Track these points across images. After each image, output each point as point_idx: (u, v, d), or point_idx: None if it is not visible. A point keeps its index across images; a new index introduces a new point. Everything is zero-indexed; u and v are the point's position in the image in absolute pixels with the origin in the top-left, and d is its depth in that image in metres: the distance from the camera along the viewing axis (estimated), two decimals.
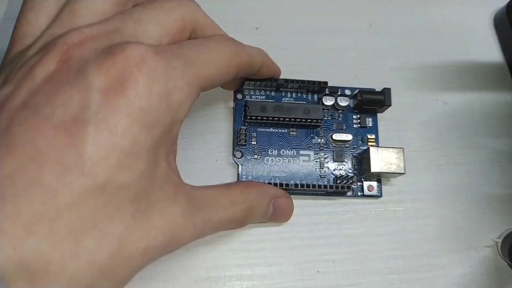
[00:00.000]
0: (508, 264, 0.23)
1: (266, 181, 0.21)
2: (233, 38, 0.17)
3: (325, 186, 0.21)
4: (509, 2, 0.27)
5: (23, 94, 0.12)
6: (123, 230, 0.13)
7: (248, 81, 0.21)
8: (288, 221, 0.21)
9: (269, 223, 0.21)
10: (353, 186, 0.22)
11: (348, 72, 0.25)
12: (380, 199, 0.23)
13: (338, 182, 0.22)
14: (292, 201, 0.21)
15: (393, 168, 0.21)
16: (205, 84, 0.15)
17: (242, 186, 0.19)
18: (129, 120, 0.12)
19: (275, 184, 0.20)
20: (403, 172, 0.21)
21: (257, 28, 0.25)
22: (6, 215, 0.11)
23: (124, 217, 0.13)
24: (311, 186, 0.20)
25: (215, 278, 0.20)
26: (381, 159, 0.21)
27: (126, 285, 0.14)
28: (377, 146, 0.23)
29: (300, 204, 0.22)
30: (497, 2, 0.28)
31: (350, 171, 0.22)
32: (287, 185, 0.20)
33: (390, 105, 0.22)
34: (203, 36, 0.17)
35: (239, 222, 0.18)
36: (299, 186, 0.20)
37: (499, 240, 0.23)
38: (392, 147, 0.21)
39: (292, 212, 0.21)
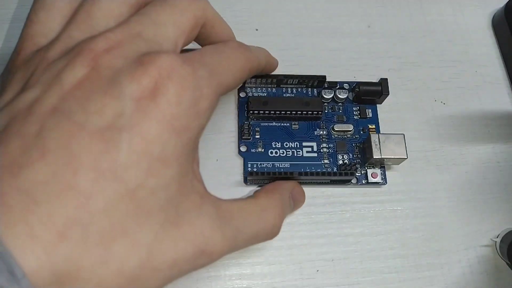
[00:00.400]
0: (507, 264, 0.23)
1: (271, 173, 0.21)
2: (242, 43, 0.18)
3: (329, 173, 0.21)
4: (507, 3, 0.27)
5: (53, 99, 0.12)
6: (152, 238, 0.13)
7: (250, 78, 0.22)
8: (288, 220, 0.22)
9: None
10: (356, 173, 0.22)
11: (347, 73, 0.25)
12: (379, 198, 0.23)
13: (342, 169, 0.22)
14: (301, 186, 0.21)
15: (395, 153, 0.21)
16: (224, 91, 0.16)
17: (264, 193, 0.19)
18: (160, 127, 0.12)
19: (280, 174, 0.20)
20: (405, 157, 0.21)
21: (257, 29, 0.26)
22: (40, 220, 0.11)
23: (153, 225, 0.13)
24: (315, 173, 0.21)
25: (215, 276, 0.20)
26: (382, 145, 0.21)
27: None
28: (378, 133, 0.23)
29: None
30: (495, 3, 0.28)
31: (353, 160, 0.23)
32: (291, 173, 0.20)
33: (388, 94, 0.23)
34: (212, 31, 0.17)
35: (274, 232, 0.18)
36: (303, 174, 0.20)
37: (498, 240, 0.23)
38: (393, 133, 0.22)
39: (305, 195, 0.21)
